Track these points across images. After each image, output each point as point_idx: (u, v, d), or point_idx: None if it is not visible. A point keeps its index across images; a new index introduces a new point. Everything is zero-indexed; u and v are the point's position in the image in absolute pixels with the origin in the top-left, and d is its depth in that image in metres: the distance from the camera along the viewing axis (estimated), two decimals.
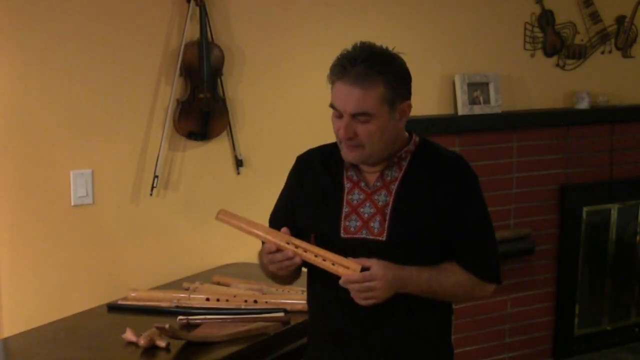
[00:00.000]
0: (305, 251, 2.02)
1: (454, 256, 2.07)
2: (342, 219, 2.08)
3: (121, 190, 3.27)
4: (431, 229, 2.04)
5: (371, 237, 2.05)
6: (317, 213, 2.13)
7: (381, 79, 1.98)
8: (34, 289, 3.13)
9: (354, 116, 1.99)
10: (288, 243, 2.03)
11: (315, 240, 2.07)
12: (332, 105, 2.04)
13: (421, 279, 2.01)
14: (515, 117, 4.18)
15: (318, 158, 2.19)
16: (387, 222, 2.04)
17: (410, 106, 2.07)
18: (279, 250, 2.03)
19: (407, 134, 2.13)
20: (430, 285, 2.02)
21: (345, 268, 1.98)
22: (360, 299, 1.98)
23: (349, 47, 2.04)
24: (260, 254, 2.12)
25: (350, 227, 2.07)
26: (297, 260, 2.02)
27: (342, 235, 2.07)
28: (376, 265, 1.97)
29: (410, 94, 2.07)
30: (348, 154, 2.06)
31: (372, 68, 1.97)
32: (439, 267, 2.05)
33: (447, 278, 2.05)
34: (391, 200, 2.05)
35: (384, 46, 2.05)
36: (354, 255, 2.00)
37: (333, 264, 1.99)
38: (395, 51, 2.06)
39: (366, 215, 2.06)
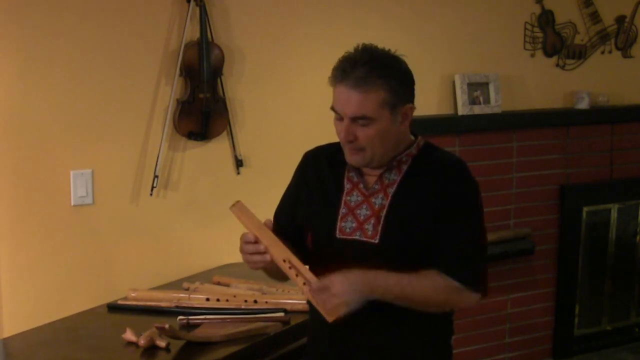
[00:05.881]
0: (297, 275, 2.00)
1: (435, 262, 2.01)
2: (339, 220, 2.07)
3: (121, 190, 3.27)
4: (424, 234, 2.02)
5: (364, 239, 2.04)
6: (316, 211, 2.13)
7: (381, 83, 1.96)
8: (34, 289, 3.14)
9: (353, 120, 1.98)
10: (285, 260, 2.01)
11: (312, 239, 2.06)
12: (332, 108, 2.03)
13: (389, 281, 1.96)
14: (515, 117, 4.18)
15: (324, 156, 2.18)
16: (380, 225, 2.03)
17: (412, 109, 2.06)
18: (257, 241, 2.02)
19: (412, 137, 2.12)
20: (403, 289, 1.96)
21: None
22: (324, 307, 1.94)
23: (351, 48, 2.02)
24: None
25: (345, 227, 2.07)
26: (267, 257, 2.01)
27: (338, 235, 2.07)
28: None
29: (413, 96, 2.06)
30: (350, 157, 2.05)
31: (372, 71, 1.96)
32: (413, 272, 1.99)
33: (421, 282, 1.98)
34: (387, 203, 2.05)
35: (387, 48, 2.04)
36: (348, 257, 1.99)
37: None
38: (397, 53, 2.04)
39: (362, 217, 2.06)
